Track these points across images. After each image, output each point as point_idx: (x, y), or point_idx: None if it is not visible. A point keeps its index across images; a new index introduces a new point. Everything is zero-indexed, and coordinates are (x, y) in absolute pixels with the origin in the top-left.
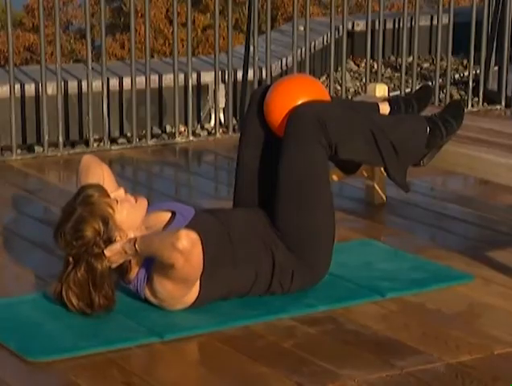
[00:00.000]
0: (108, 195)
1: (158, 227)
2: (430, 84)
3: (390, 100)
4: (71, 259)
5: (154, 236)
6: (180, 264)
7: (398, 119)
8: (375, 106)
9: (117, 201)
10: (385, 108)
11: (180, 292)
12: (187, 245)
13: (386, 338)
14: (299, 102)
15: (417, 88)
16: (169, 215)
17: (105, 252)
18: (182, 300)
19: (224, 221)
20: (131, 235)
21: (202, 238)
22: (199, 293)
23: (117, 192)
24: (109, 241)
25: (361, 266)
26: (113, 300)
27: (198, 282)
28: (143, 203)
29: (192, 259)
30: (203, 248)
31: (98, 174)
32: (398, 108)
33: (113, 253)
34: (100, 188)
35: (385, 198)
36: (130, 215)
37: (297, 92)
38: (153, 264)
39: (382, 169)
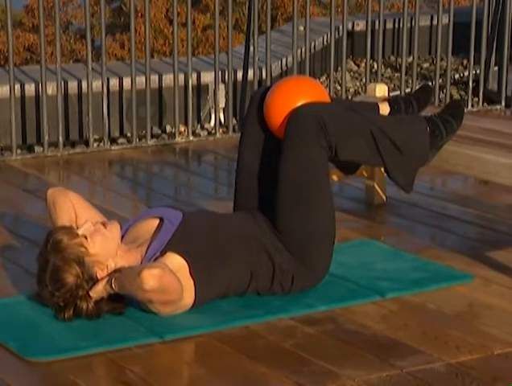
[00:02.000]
0: (76, 235)
1: (147, 237)
2: (430, 83)
3: (390, 101)
4: (61, 303)
5: (125, 277)
6: (157, 298)
7: (397, 119)
8: (375, 106)
9: (86, 237)
10: (385, 109)
11: (172, 308)
12: (154, 284)
13: (386, 338)
14: (299, 103)
15: (417, 88)
16: (157, 221)
17: (90, 293)
18: (179, 307)
19: (215, 222)
20: (111, 264)
21: (189, 245)
22: (195, 297)
23: (84, 227)
24: (91, 279)
25: (361, 266)
26: (119, 308)
27: (192, 288)
28: (114, 228)
29: (165, 290)
30: (190, 256)
31: (67, 207)
32: (398, 109)
33: (98, 294)
34: (67, 230)
35: (385, 198)
36: (103, 246)
37: (297, 94)
38: None
39: (383, 169)
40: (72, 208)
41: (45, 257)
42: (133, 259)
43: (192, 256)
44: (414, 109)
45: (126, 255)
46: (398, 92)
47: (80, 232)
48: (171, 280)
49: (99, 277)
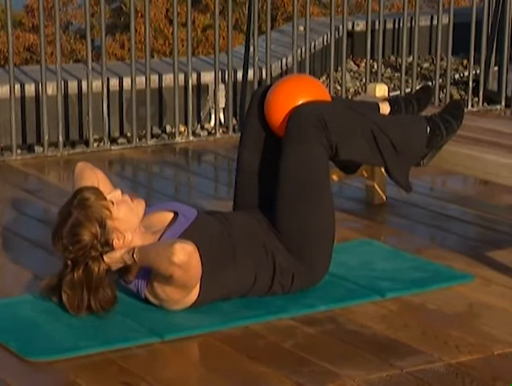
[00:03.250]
0: (104, 198)
1: (160, 227)
2: (430, 84)
3: (391, 101)
4: (69, 262)
5: (151, 247)
6: (178, 275)
7: (398, 119)
8: (375, 106)
9: (113, 203)
10: (385, 108)
11: (180, 295)
12: (184, 259)
13: (386, 338)
14: (300, 102)
15: (417, 88)
16: (171, 215)
17: (104, 258)
18: (182, 301)
19: (224, 222)
20: (129, 236)
21: (203, 240)
22: (199, 294)
23: (113, 194)
24: (107, 244)
25: (361, 266)
26: (112, 302)
27: (198, 284)
28: (141, 204)
29: (189, 269)
30: (202, 252)
31: (92, 178)
32: (398, 108)
33: (112, 261)
34: (96, 190)
35: (385, 198)
36: (127, 216)
37: (298, 92)
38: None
39: (383, 169)
40: (98, 182)
41: (68, 211)
42: (147, 242)
43: (202, 254)
44: (415, 109)
45: (142, 236)
46: (398, 92)
47: (108, 196)
48: (198, 263)
49: (114, 245)
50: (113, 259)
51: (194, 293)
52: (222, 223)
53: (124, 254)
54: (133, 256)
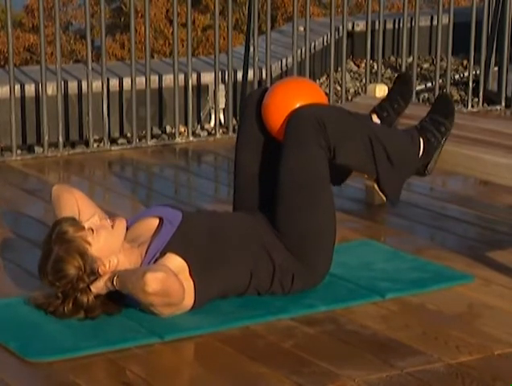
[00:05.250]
0: (82, 228)
1: (146, 237)
2: (406, 71)
3: (377, 111)
4: (60, 294)
5: (127, 277)
6: (158, 301)
7: (391, 131)
8: (368, 116)
9: (92, 230)
10: (375, 120)
11: (172, 310)
12: (157, 287)
13: (386, 339)
14: (298, 105)
15: (394, 80)
16: (157, 221)
17: (90, 287)
18: (178, 310)
19: (215, 222)
20: (114, 260)
21: (189, 247)
22: (195, 299)
23: (90, 221)
24: (93, 273)
25: (361, 266)
26: (114, 309)
27: (192, 289)
28: (120, 225)
29: (167, 293)
30: (189, 259)
31: (71, 202)
32: (386, 114)
33: (98, 290)
34: (73, 222)
35: (385, 198)
36: (107, 242)
37: (296, 95)
38: None
39: (374, 178)
40: (76, 205)
41: (49, 246)
42: (134, 258)
43: (192, 257)
44: (401, 104)
45: (128, 253)
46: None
47: (86, 225)
48: (174, 283)
49: (101, 272)
50: (99, 288)
51: (189, 299)
52: (211, 223)
53: (106, 282)
54: (113, 283)
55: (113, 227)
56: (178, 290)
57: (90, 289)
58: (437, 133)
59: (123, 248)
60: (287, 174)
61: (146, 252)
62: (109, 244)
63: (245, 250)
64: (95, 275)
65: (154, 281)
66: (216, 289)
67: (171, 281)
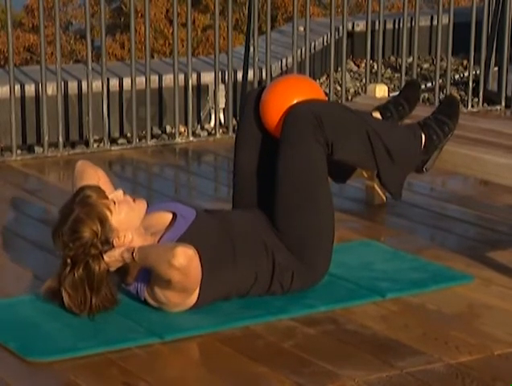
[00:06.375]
0: (106, 197)
1: (159, 228)
2: (415, 78)
3: (381, 110)
4: (69, 260)
5: (152, 248)
6: (177, 279)
7: (391, 125)
8: (369, 113)
9: (114, 202)
10: (377, 116)
11: (180, 299)
12: (184, 262)
13: (386, 339)
14: (295, 101)
15: (404, 85)
16: (170, 216)
17: (104, 256)
18: (182, 303)
19: (224, 222)
20: (129, 236)
21: (202, 243)
22: (199, 296)
23: (115, 193)
24: (107, 242)
25: (361, 266)
26: (112, 302)
27: (198, 287)
28: (142, 204)
29: (188, 274)
30: (201, 254)
31: (94, 177)
32: (390, 114)
33: (112, 259)
34: (98, 189)
35: (385, 198)
36: (127, 216)
37: (293, 92)
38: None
39: (375, 173)
40: (98, 181)
41: (70, 208)
42: (146, 244)
43: (202, 255)
44: (406, 109)
45: (142, 238)
46: (397, 93)
47: (110, 196)
48: (198, 266)
49: (115, 243)
50: (113, 258)
51: (194, 296)
52: (221, 223)
53: (124, 252)
54: (132, 255)
55: (134, 204)
56: (197, 276)
57: (103, 258)
58: (439, 132)
59: (139, 230)
60: (285, 172)
61: (158, 243)
62: (129, 218)
63: (251, 251)
64: (108, 245)
65: (183, 254)
66: (219, 290)
67: (196, 263)
